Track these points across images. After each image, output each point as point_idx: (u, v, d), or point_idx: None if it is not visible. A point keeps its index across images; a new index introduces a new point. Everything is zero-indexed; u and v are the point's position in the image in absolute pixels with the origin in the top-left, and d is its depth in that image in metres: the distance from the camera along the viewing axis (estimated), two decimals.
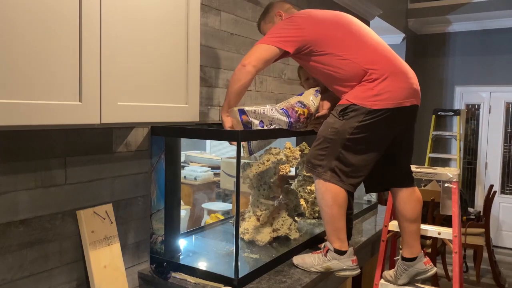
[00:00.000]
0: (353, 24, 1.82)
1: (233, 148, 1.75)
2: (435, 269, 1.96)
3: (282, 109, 1.82)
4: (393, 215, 2.27)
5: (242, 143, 1.91)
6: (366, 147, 1.75)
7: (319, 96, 1.95)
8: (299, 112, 1.84)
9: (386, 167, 1.88)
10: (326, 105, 1.94)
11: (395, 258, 2.07)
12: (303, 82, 2.20)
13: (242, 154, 1.90)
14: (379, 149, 1.79)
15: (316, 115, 1.92)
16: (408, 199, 1.92)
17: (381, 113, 1.70)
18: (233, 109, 1.73)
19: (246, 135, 1.72)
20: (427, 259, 1.95)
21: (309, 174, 2.44)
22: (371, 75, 1.71)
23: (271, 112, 1.77)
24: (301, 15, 1.83)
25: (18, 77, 1.06)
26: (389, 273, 2.08)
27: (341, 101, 1.78)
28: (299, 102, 1.87)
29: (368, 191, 2.06)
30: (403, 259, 1.97)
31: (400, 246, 2.03)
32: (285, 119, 1.79)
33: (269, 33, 1.80)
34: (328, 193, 1.73)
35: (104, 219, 1.61)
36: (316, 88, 1.98)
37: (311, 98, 1.91)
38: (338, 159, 1.73)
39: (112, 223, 1.64)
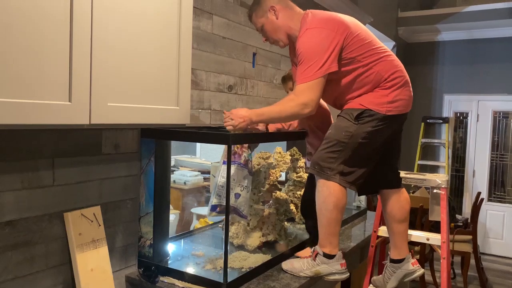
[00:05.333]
0: (364, 29, 1.81)
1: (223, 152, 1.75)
2: (422, 270, 1.98)
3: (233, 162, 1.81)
4: (382, 221, 2.28)
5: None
6: (372, 151, 1.79)
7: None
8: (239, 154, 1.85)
9: (378, 169, 1.90)
10: None
11: (384, 262, 2.08)
12: (289, 90, 2.18)
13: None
14: (379, 152, 1.84)
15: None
16: (397, 199, 1.94)
17: (390, 120, 1.75)
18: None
19: (236, 138, 1.72)
20: (414, 260, 1.96)
21: (298, 179, 2.44)
22: (387, 83, 1.74)
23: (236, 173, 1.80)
24: (324, 20, 1.74)
25: (7, 76, 1.04)
26: (378, 279, 2.08)
27: (353, 105, 1.77)
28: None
29: (360, 193, 2.07)
30: (391, 261, 1.98)
31: (388, 256, 2.04)
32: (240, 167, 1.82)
33: (306, 63, 1.68)
34: (331, 197, 1.73)
35: (92, 221, 1.59)
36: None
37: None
38: (347, 162, 1.74)
39: (100, 225, 1.61)
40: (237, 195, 1.79)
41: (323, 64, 1.67)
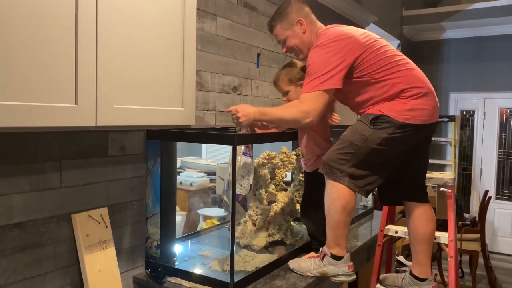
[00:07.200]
0: (382, 43, 1.80)
1: (229, 153, 1.76)
2: None
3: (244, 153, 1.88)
4: (389, 220, 2.27)
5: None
6: (389, 159, 1.76)
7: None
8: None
9: (404, 179, 1.88)
10: None
11: (402, 269, 2.05)
12: (283, 95, 2.12)
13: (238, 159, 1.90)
14: (397, 162, 1.80)
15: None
16: (419, 216, 1.89)
17: (409, 129, 1.71)
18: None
19: (241, 138, 1.73)
20: (436, 284, 1.92)
21: (304, 179, 2.44)
22: (406, 93, 1.72)
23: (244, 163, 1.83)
24: (335, 39, 1.74)
25: (14, 79, 1.06)
26: (387, 278, 2.07)
27: (371, 111, 1.76)
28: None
29: (382, 202, 2.06)
30: (412, 274, 1.94)
31: (395, 255, 2.02)
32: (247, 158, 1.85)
33: (313, 75, 1.70)
34: (340, 200, 1.71)
35: (99, 223, 1.60)
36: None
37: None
38: (358, 166, 1.72)
39: (107, 227, 1.63)
40: (250, 187, 1.80)
41: (328, 79, 1.69)
